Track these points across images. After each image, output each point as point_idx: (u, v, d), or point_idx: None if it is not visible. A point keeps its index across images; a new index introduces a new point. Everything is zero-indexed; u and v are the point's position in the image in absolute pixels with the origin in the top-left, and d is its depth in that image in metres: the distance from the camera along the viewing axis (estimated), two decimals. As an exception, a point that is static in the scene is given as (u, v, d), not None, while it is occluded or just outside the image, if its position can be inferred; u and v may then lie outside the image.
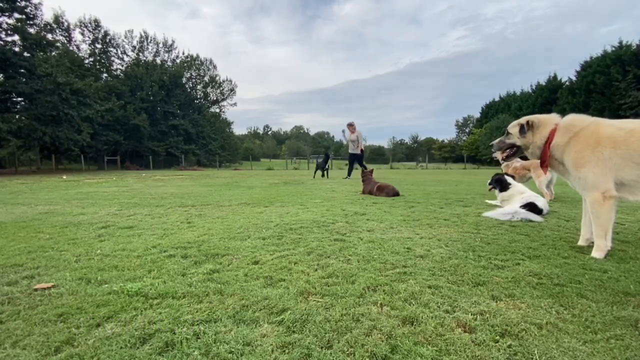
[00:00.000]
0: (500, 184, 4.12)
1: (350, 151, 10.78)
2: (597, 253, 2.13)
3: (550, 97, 34.76)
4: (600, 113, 27.50)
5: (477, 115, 53.66)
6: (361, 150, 10.59)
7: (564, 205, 4.31)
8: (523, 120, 2.43)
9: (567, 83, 33.26)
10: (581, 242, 2.41)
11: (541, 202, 3.54)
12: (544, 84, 37.28)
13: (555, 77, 36.43)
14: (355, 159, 10.75)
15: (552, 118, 2.36)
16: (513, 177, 4.34)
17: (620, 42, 28.12)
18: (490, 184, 4.34)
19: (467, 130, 67.88)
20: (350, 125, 10.50)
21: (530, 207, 3.41)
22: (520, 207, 3.42)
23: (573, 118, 2.31)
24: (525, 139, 2.39)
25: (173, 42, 38.08)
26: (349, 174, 10.99)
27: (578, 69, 31.48)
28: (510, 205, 3.70)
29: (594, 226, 2.19)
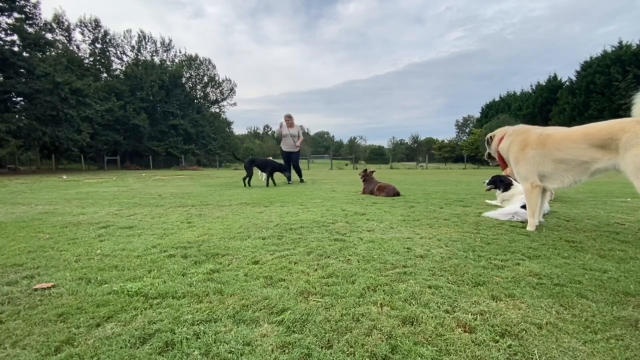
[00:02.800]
0: (502, 184, 4.12)
1: (286, 149, 8.59)
2: (529, 227, 2.87)
3: (550, 97, 34.74)
4: (600, 113, 27.53)
5: (477, 115, 53.73)
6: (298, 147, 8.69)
7: (564, 205, 4.31)
8: (487, 136, 3.42)
9: (567, 83, 33.24)
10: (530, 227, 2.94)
11: (541, 202, 3.54)
12: (544, 84, 37.27)
13: (555, 77, 36.43)
14: (293, 158, 8.71)
15: (503, 130, 3.20)
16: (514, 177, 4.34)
17: (620, 42, 28.15)
18: (488, 183, 4.34)
19: (467, 130, 67.90)
20: (289, 118, 8.58)
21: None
22: (521, 207, 3.41)
23: (515, 128, 3.08)
24: (491, 148, 3.36)
25: (170, 40, 38.14)
26: (300, 175, 9.05)
27: (577, 69, 31.49)
28: (510, 205, 3.70)
29: (527, 208, 2.94)
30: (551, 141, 2.72)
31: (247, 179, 7.78)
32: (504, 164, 3.28)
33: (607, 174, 2.61)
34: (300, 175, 9.05)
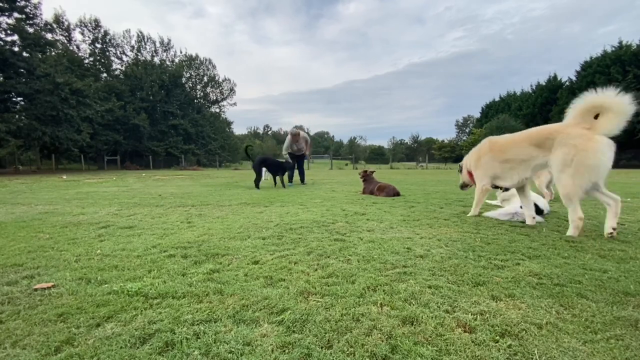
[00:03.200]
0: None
1: (293, 152, 8.70)
2: (470, 213, 3.58)
3: (550, 97, 34.72)
4: (600, 113, 27.49)
5: (477, 115, 53.65)
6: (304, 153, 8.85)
7: (564, 205, 4.30)
8: (459, 165, 4.04)
9: (567, 83, 33.21)
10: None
11: (542, 202, 3.54)
12: (544, 84, 37.23)
13: (555, 77, 36.38)
14: (299, 161, 8.89)
15: (466, 159, 3.78)
16: None
17: (620, 42, 28.12)
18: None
19: (467, 130, 67.84)
20: (297, 135, 8.61)
21: (530, 207, 3.41)
22: (521, 207, 3.41)
23: (483, 141, 3.58)
24: (462, 175, 3.95)
25: (170, 40, 38.13)
26: (303, 177, 9.10)
27: (577, 69, 31.46)
28: (510, 205, 3.70)
29: (475, 201, 3.57)
30: (497, 146, 3.26)
31: (257, 181, 7.23)
32: (472, 179, 3.73)
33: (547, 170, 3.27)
34: (303, 177, 9.14)
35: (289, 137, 8.55)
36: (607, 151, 2.50)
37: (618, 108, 2.46)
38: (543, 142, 2.80)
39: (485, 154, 3.37)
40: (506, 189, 4.05)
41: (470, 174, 3.68)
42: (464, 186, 3.99)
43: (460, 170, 3.88)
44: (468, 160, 3.68)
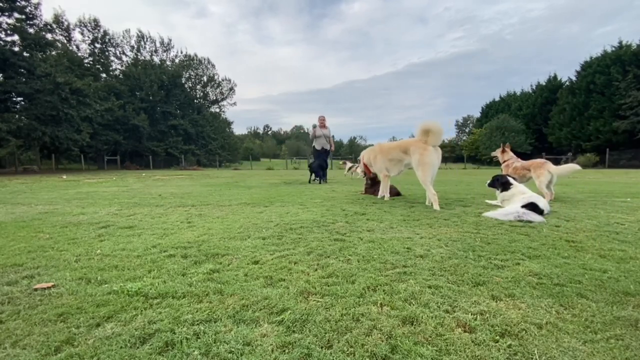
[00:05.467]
0: (502, 184, 4.12)
1: (319, 147, 8.90)
2: (380, 196, 5.07)
3: (550, 97, 34.72)
4: (600, 113, 27.53)
5: (477, 115, 53.64)
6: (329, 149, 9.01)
7: (564, 205, 4.31)
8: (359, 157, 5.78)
9: (567, 83, 33.20)
10: (381, 195, 5.05)
11: (542, 203, 3.54)
12: (544, 83, 37.23)
13: (555, 77, 36.38)
14: (324, 157, 9.02)
15: (363, 152, 5.55)
16: (514, 177, 4.34)
17: (620, 42, 28.12)
18: (489, 184, 4.34)
19: (467, 130, 67.79)
20: (323, 119, 8.82)
21: (531, 207, 3.41)
22: (521, 207, 3.42)
23: (368, 149, 5.45)
24: (361, 165, 5.75)
25: (170, 40, 38.11)
26: (325, 175, 9.23)
27: (577, 69, 31.43)
28: (510, 205, 3.70)
29: (381, 186, 5.11)
30: (385, 149, 4.90)
31: (317, 178, 8.73)
32: (369, 170, 5.44)
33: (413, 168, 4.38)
34: (325, 174, 9.36)
35: (314, 125, 8.96)
36: (434, 154, 4.17)
37: (436, 130, 4.13)
38: (406, 149, 4.45)
39: (379, 154, 4.95)
40: (505, 190, 4.06)
41: (366, 166, 5.38)
42: (365, 175, 5.87)
43: (357, 163, 5.35)
44: (366, 158, 5.34)
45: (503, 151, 5.49)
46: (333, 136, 9.30)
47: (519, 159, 5.31)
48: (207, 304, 1.45)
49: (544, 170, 4.71)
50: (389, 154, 4.75)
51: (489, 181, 4.36)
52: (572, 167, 4.79)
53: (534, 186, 4.73)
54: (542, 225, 3.03)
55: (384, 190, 5.01)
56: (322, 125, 8.87)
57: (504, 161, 5.38)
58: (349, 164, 13.34)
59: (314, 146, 9.03)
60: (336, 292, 1.55)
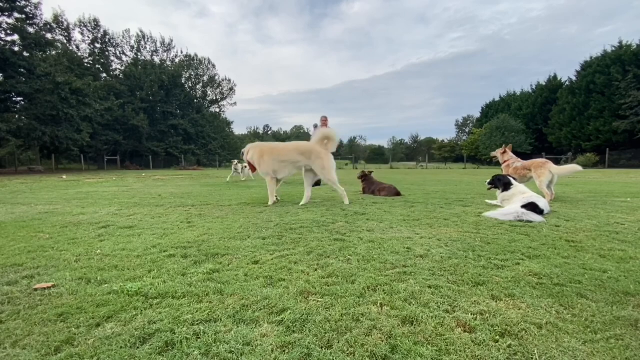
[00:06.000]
0: (502, 183, 4.12)
1: None
2: (269, 203, 4.59)
3: (550, 97, 34.70)
4: (600, 113, 27.51)
5: (477, 115, 53.66)
6: None
7: (564, 205, 4.31)
8: (242, 151, 5.12)
9: (567, 83, 33.19)
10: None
11: (542, 203, 3.54)
12: (544, 83, 37.22)
13: (555, 77, 36.37)
14: None
15: (247, 147, 4.94)
16: (514, 177, 4.34)
17: (620, 42, 28.10)
18: (489, 183, 4.34)
19: (467, 130, 67.85)
20: (326, 120, 8.54)
21: (532, 207, 3.41)
22: (522, 207, 3.42)
23: (251, 145, 4.91)
24: (244, 159, 5.00)
25: (171, 40, 38.07)
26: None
27: (577, 69, 31.42)
28: (511, 205, 3.70)
29: (268, 189, 4.72)
30: (277, 150, 4.68)
31: None
32: (253, 168, 4.94)
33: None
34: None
35: (316, 124, 8.51)
36: (332, 159, 4.73)
37: (335, 139, 4.71)
38: (306, 153, 4.60)
39: (267, 154, 4.65)
40: (506, 190, 4.06)
41: (250, 163, 4.98)
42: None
43: (243, 155, 5.02)
44: (250, 155, 4.89)
45: (503, 152, 5.49)
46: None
47: (519, 159, 5.31)
48: (207, 304, 1.45)
49: (545, 170, 4.71)
50: (283, 156, 4.60)
51: (488, 180, 4.36)
52: (574, 167, 4.78)
53: (534, 186, 4.73)
54: (542, 225, 3.03)
55: (270, 195, 4.69)
56: (325, 125, 8.81)
57: (505, 161, 5.39)
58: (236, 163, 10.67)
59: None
60: (336, 292, 1.55)
